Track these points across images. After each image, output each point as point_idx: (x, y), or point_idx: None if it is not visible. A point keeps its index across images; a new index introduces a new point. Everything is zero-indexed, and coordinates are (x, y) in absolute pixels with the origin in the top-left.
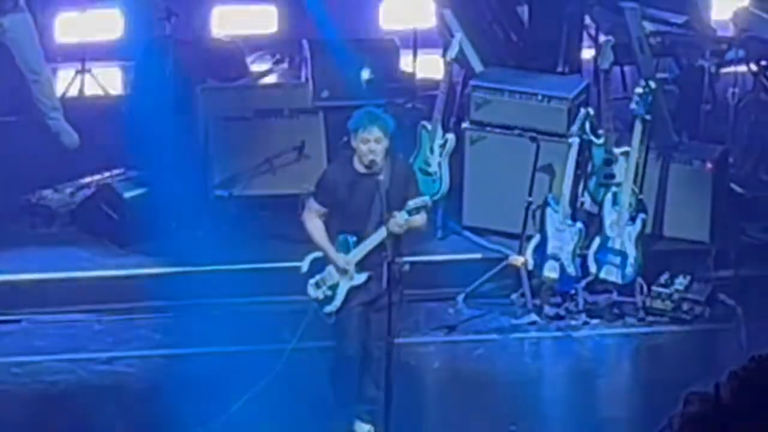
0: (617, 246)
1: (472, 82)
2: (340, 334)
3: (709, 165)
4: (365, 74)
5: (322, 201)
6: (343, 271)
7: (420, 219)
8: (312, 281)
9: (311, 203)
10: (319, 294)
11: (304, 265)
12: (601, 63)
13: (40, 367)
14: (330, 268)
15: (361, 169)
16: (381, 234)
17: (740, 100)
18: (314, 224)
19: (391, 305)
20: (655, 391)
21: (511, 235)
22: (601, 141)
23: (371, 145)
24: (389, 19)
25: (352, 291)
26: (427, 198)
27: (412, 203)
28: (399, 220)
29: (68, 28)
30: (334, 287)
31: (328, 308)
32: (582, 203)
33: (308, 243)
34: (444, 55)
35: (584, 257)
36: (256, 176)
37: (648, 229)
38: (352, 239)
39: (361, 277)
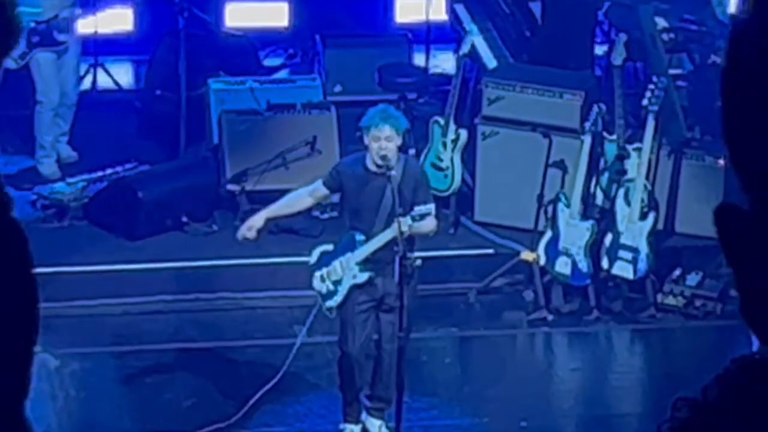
0: (629, 242)
1: (484, 78)
2: (343, 334)
3: (721, 161)
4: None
5: (327, 183)
6: (342, 261)
7: (428, 225)
8: (318, 273)
9: (318, 182)
10: (323, 287)
11: (313, 257)
12: (614, 59)
13: (51, 361)
14: (336, 263)
15: (372, 167)
16: (387, 235)
17: None
18: (299, 193)
19: (402, 303)
20: (666, 387)
21: (523, 230)
22: (613, 137)
23: (382, 143)
24: (406, 13)
25: (354, 289)
26: (431, 206)
27: (417, 210)
28: (403, 226)
29: (81, 22)
30: (337, 282)
31: (330, 303)
32: (594, 199)
33: (320, 237)
34: (457, 51)
35: (596, 253)
36: (268, 171)
37: (660, 225)
38: (360, 237)
39: (362, 276)
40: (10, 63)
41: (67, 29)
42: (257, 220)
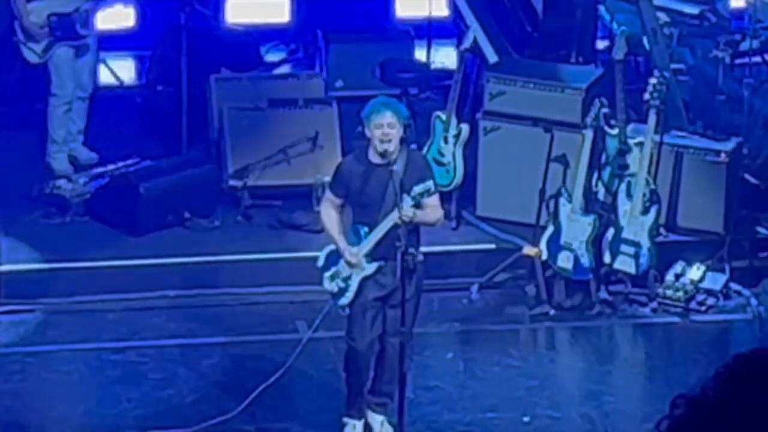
0: (631, 236)
1: (486, 73)
2: (352, 329)
3: (723, 156)
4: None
5: (337, 191)
6: (350, 264)
7: (432, 214)
8: (327, 274)
9: (327, 193)
10: (333, 286)
11: (321, 258)
12: (616, 53)
13: (53, 357)
14: (344, 261)
15: (375, 159)
16: (389, 221)
17: (755, 91)
18: (328, 214)
19: (404, 298)
20: (668, 381)
21: (525, 225)
22: (615, 131)
23: (385, 129)
24: (407, 8)
25: (364, 282)
26: (430, 183)
27: (416, 188)
28: (405, 207)
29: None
30: (347, 279)
31: (342, 300)
32: (596, 193)
33: (322, 233)
34: (458, 46)
35: (598, 248)
36: (270, 166)
37: (662, 220)
38: (364, 230)
39: (371, 267)
40: (33, 57)
41: (88, 23)
42: (348, 250)
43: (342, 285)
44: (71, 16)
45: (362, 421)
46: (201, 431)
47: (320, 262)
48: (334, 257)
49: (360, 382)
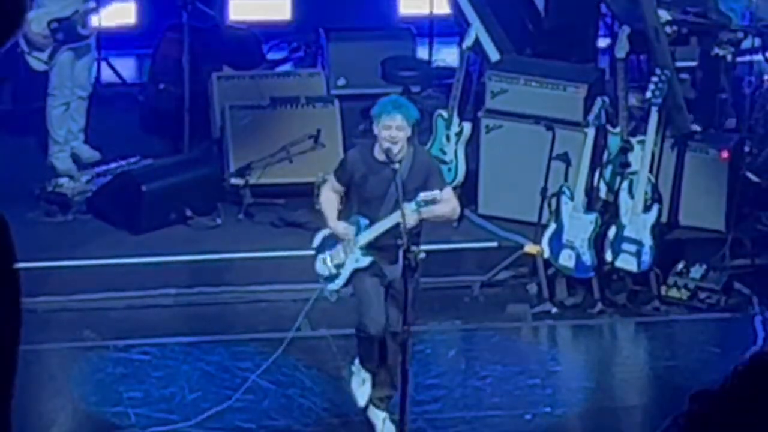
0: (633, 235)
1: (488, 71)
2: (361, 317)
3: (724, 154)
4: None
5: (340, 178)
6: (345, 246)
7: (441, 209)
8: (321, 257)
9: (331, 178)
10: (325, 271)
11: (316, 241)
12: (618, 52)
13: (54, 355)
14: (339, 247)
15: (380, 157)
16: (391, 221)
17: (756, 89)
18: (327, 195)
19: (406, 296)
20: (670, 379)
21: (527, 223)
22: (617, 129)
23: (393, 131)
24: (409, 6)
25: (357, 273)
26: (437, 192)
27: (422, 195)
28: (408, 212)
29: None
30: (339, 266)
31: (332, 286)
32: (598, 191)
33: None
34: (460, 44)
35: (600, 246)
36: (272, 164)
37: (664, 218)
38: (364, 222)
39: (365, 260)
40: (40, 65)
41: (87, 23)
42: (339, 225)
43: (334, 271)
44: (71, 19)
45: (371, 380)
46: (201, 427)
47: (315, 244)
48: (331, 241)
49: (375, 363)
